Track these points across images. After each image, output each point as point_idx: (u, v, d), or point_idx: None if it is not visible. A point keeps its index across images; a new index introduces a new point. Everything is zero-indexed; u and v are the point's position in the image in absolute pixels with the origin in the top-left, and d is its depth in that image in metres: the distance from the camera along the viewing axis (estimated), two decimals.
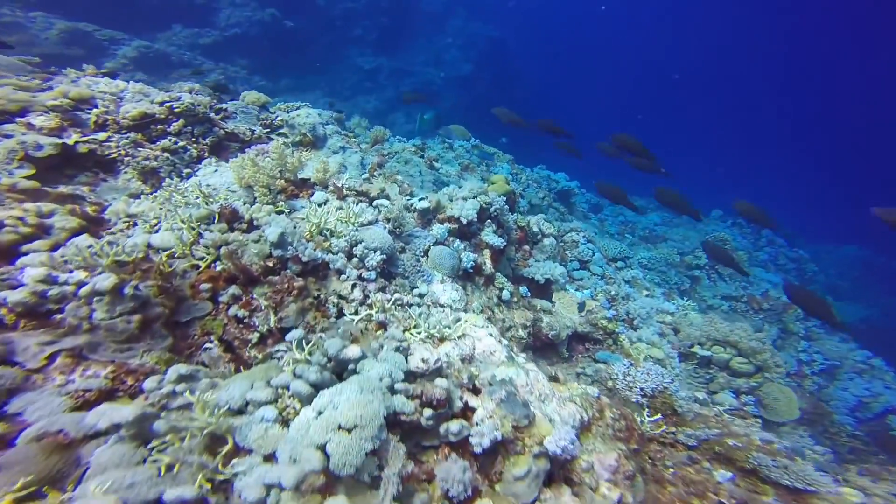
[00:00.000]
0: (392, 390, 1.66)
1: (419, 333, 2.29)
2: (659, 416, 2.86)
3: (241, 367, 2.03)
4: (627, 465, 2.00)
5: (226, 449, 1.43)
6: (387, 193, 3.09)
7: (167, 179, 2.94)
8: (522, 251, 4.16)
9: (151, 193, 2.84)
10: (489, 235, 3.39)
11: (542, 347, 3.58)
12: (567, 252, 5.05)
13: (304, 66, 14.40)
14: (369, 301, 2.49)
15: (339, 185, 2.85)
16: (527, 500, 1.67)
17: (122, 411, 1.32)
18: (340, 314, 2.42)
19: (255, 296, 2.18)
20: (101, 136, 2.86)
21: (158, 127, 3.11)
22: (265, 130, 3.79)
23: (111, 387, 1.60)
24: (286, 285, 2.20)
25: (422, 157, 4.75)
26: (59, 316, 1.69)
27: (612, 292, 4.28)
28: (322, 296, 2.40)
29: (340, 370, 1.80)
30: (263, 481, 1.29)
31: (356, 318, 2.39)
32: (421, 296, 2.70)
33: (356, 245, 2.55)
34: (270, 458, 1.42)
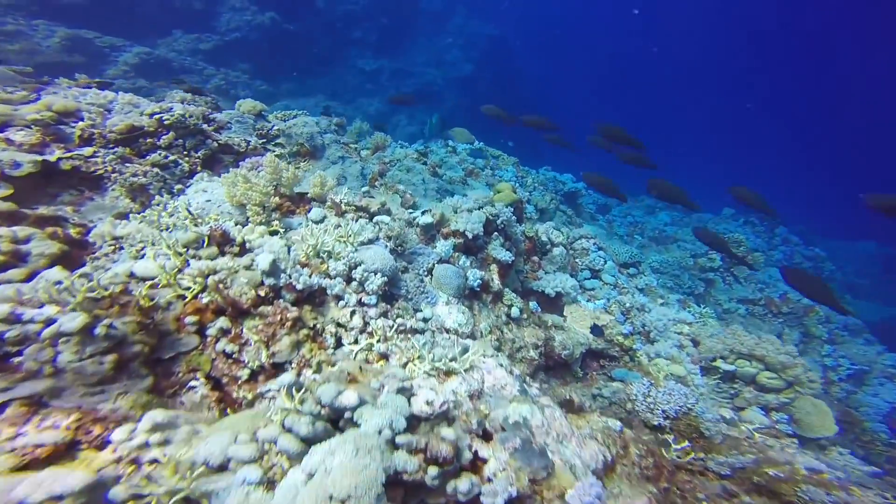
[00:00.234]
0: (393, 444, 1.47)
1: (423, 365, 2.11)
2: (686, 443, 2.64)
3: (229, 409, 1.86)
4: None
5: None
6: (388, 208, 2.91)
7: (157, 197, 2.79)
8: (531, 262, 3.96)
9: (140, 212, 2.68)
10: (496, 249, 3.19)
11: (554, 367, 3.37)
12: (577, 260, 4.83)
13: (305, 69, 14.28)
14: (370, 329, 2.31)
15: (338, 201, 2.67)
16: None
17: (67, 479, 1.15)
18: (339, 344, 2.24)
19: (245, 329, 2.00)
20: (87, 151, 2.71)
21: (148, 140, 2.95)
22: (261, 141, 3.63)
23: (72, 438, 1.43)
24: (279, 317, 2.03)
25: (424, 163, 4.56)
26: (17, 359, 1.52)
27: (627, 304, 4.05)
28: (319, 325, 2.22)
29: (336, 417, 1.62)
30: None
31: (356, 348, 2.21)
32: (425, 320, 2.51)
33: (356, 268, 2.37)
34: None
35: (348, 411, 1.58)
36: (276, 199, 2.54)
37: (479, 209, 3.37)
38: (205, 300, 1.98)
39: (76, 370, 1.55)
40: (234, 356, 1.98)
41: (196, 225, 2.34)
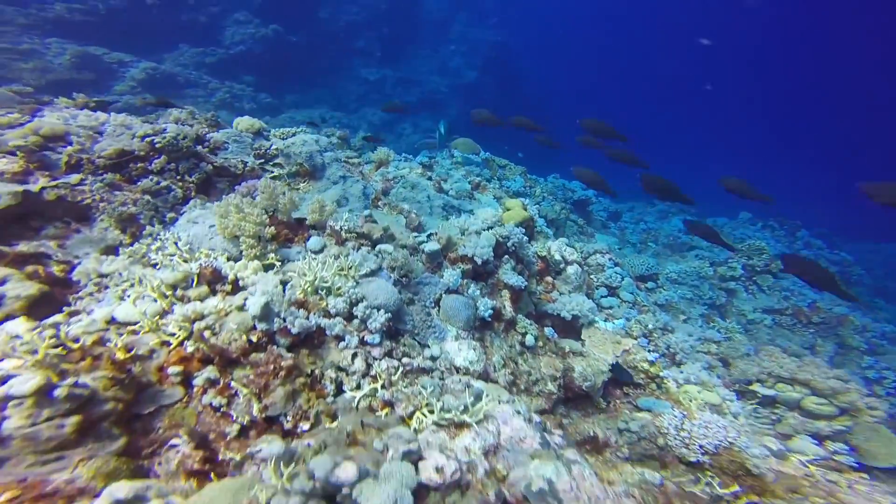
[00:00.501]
0: None
1: (432, 416, 1.89)
2: (737, 487, 2.36)
3: (213, 474, 1.66)
4: None
5: None
6: (391, 233, 2.71)
7: (148, 227, 2.64)
8: (544, 283, 3.72)
9: (131, 244, 2.52)
10: (507, 274, 2.97)
11: (574, 398, 3.12)
12: (593, 276, 4.57)
13: (310, 80, 14.32)
14: (373, 372, 2.10)
15: (337, 229, 2.48)
16: None
17: None
18: (340, 390, 2.04)
19: (234, 380, 1.81)
20: (74, 178, 2.57)
21: (138, 165, 2.80)
22: (259, 161, 3.47)
23: None
24: (272, 366, 1.83)
25: (430, 178, 4.37)
26: None
27: (649, 325, 3.78)
28: (317, 370, 2.02)
29: (332, 493, 1.41)
30: None
31: (358, 395, 2.00)
32: (433, 358, 2.29)
33: (357, 304, 2.17)
34: None
35: (346, 487, 1.37)
36: (272, 229, 2.36)
37: (487, 229, 3.16)
38: (190, 348, 1.79)
39: (27, 437, 1.36)
40: (222, 409, 1.78)
41: (185, 261, 2.17)
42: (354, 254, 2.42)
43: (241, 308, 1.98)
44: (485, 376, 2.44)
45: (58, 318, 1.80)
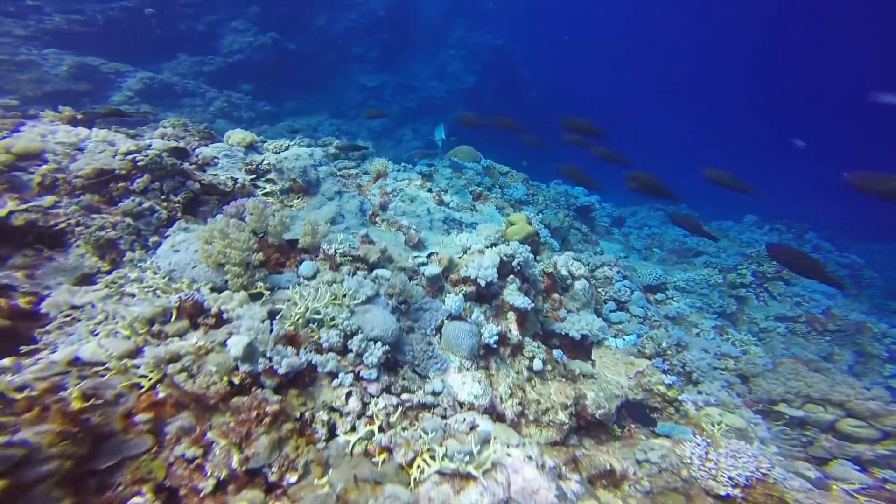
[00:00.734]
0: None
1: (434, 464, 1.70)
2: None
3: None
4: None
5: None
6: (389, 254, 2.53)
7: (128, 253, 2.47)
8: (551, 300, 3.53)
9: (110, 272, 2.35)
10: (513, 295, 2.78)
11: (587, 426, 2.92)
12: (600, 290, 4.38)
13: (308, 87, 14.25)
14: (369, 412, 1.91)
15: (331, 253, 2.30)
16: None
17: None
18: (332, 434, 1.85)
19: (212, 429, 1.63)
20: (47, 201, 2.41)
21: (119, 185, 2.64)
22: (250, 177, 3.31)
23: None
24: (255, 413, 1.65)
25: (429, 190, 4.21)
26: None
27: (663, 343, 3.58)
28: (308, 413, 1.83)
29: None
30: None
31: (352, 438, 1.82)
32: (435, 393, 2.11)
33: (353, 336, 1.99)
34: None
35: None
36: (260, 255, 2.19)
37: (491, 247, 2.98)
38: (162, 394, 1.61)
39: None
40: (196, 462, 1.60)
41: (165, 293, 1.99)
42: (349, 280, 2.24)
43: (224, 344, 1.80)
44: (491, 410, 2.25)
45: (5, 362, 1.62)
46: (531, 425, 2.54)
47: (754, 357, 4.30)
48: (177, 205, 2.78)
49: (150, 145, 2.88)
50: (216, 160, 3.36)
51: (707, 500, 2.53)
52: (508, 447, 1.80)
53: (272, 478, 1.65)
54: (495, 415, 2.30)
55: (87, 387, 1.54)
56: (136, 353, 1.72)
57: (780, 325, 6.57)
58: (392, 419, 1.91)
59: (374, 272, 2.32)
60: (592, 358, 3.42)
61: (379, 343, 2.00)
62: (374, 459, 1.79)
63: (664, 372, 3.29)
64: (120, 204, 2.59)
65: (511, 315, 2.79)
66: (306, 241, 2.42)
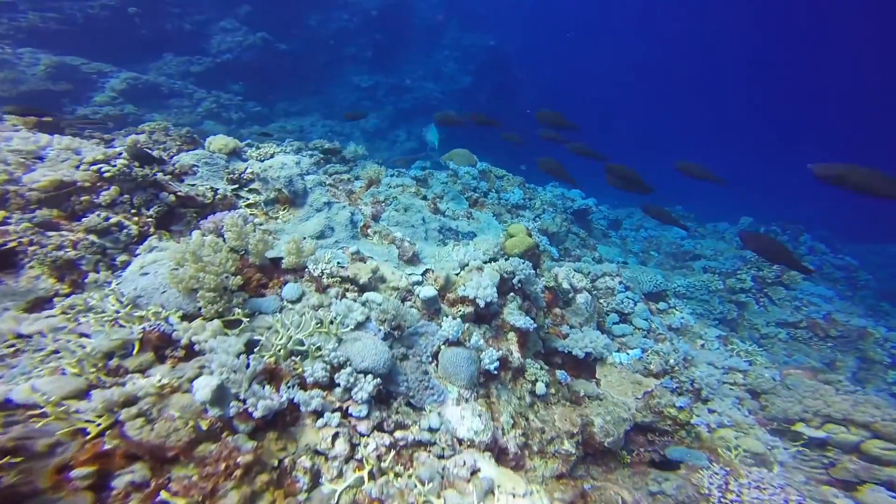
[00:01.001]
0: None
1: None
2: None
3: None
4: None
5: None
6: (381, 273, 2.33)
7: (91, 274, 2.24)
8: (553, 315, 3.36)
9: (69, 295, 2.12)
10: (514, 315, 2.60)
11: (594, 453, 2.75)
12: (602, 301, 4.22)
13: (300, 88, 13.96)
14: (358, 455, 1.72)
15: (317, 275, 2.10)
16: None
17: None
18: (316, 481, 1.65)
19: (172, 482, 1.41)
20: None
21: (83, 199, 2.41)
22: (232, 187, 3.08)
23: None
24: (224, 465, 1.44)
25: (424, 198, 4.01)
26: None
27: (671, 360, 3.43)
28: (288, 459, 1.63)
29: None
30: None
31: (339, 488, 1.62)
32: (431, 430, 1.92)
33: (340, 369, 1.79)
34: None
35: None
36: (238, 278, 1.97)
37: (490, 262, 2.80)
38: (108, 445, 1.39)
39: None
40: None
41: (127, 322, 1.77)
42: (337, 304, 2.04)
43: (194, 380, 1.59)
44: (493, 446, 2.06)
45: None
46: (535, 457, 2.36)
47: (760, 368, 4.18)
48: (149, 220, 2.55)
49: (120, 154, 2.64)
50: (195, 168, 3.13)
51: None
52: (514, 497, 1.62)
53: None
54: (497, 449, 2.11)
55: (17, 434, 1.32)
56: (84, 393, 1.50)
57: (782, 331, 6.50)
58: (384, 463, 1.71)
59: (365, 295, 2.12)
60: (597, 376, 3.25)
61: (370, 376, 1.81)
62: None
63: (673, 391, 3.13)
64: (83, 219, 2.35)
65: (512, 336, 2.61)
66: (290, 262, 2.21)
